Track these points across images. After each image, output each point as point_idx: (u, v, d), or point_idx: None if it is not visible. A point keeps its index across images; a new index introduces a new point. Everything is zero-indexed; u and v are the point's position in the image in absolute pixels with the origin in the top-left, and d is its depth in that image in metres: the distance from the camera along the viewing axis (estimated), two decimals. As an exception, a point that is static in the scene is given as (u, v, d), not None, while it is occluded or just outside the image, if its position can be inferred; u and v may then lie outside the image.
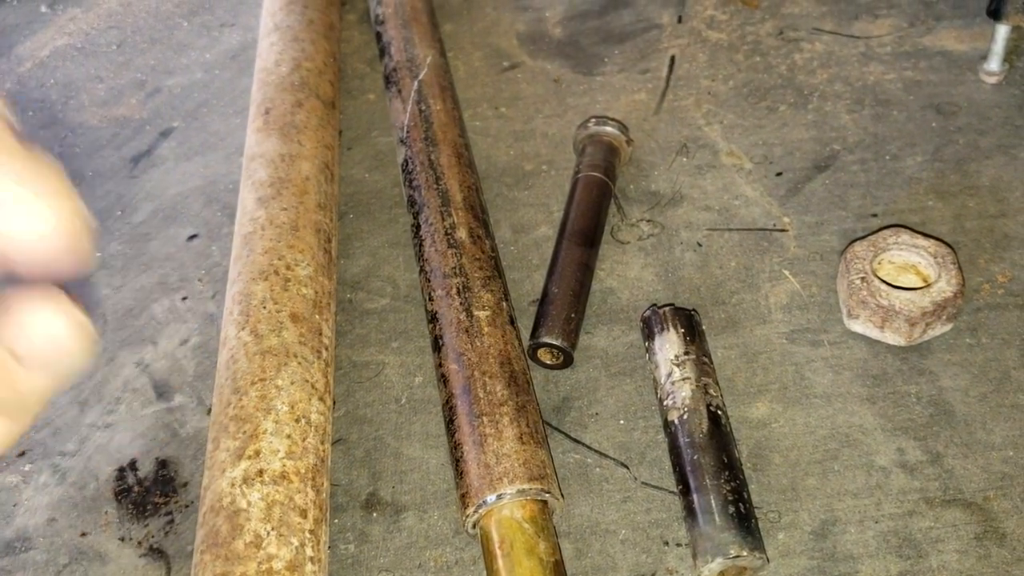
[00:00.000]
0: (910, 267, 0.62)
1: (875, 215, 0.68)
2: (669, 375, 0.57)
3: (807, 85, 0.78)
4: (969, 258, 0.65)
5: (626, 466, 0.57)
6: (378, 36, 0.84)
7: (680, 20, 0.86)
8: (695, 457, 0.53)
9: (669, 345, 0.58)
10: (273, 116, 0.72)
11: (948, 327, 0.60)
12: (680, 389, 0.56)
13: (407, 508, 0.56)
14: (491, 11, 0.91)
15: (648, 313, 0.61)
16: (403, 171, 0.71)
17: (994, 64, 0.75)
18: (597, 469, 0.57)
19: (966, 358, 0.59)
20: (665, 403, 0.56)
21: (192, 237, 0.74)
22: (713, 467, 0.52)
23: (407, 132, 0.72)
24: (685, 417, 0.55)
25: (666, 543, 0.53)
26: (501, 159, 0.76)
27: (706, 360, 0.58)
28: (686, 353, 0.57)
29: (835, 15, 0.85)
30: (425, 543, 0.55)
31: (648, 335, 0.60)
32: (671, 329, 0.59)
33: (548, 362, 0.62)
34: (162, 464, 0.60)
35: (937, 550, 0.52)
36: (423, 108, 0.73)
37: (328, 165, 0.71)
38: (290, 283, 0.60)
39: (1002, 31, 0.73)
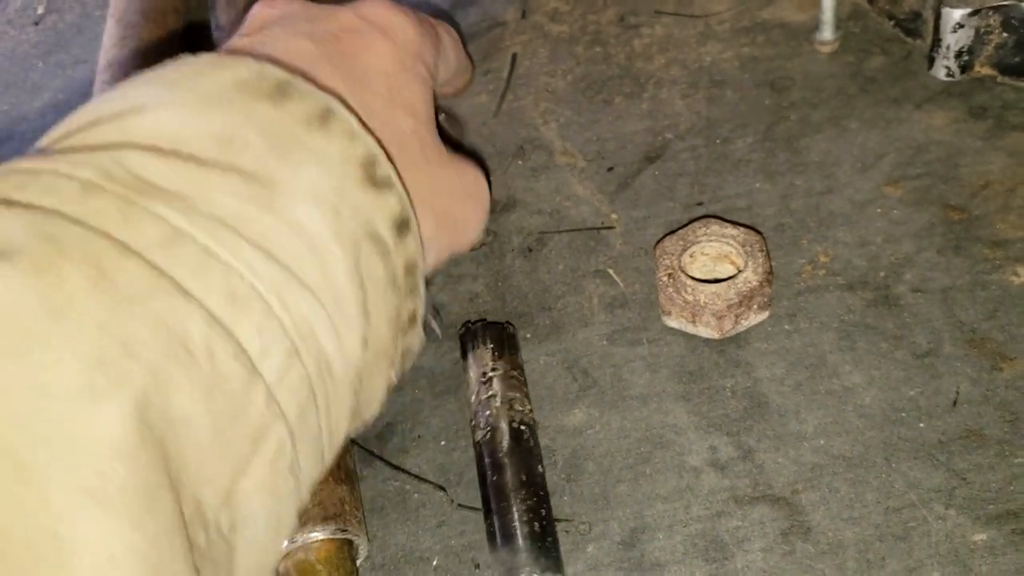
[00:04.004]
0: (724, 257, 0.61)
1: (700, 203, 0.67)
2: (476, 394, 0.56)
3: (643, 72, 0.77)
4: (792, 240, 0.63)
5: (443, 488, 0.56)
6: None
7: (524, 15, 0.84)
8: (494, 478, 0.52)
9: (478, 363, 0.57)
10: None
11: (765, 315, 0.59)
12: (485, 408, 0.55)
13: (226, 553, 0.56)
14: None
15: (462, 331, 0.60)
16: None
17: (827, 33, 0.74)
18: (416, 495, 0.56)
19: (783, 346, 0.59)
20: (472, 423, 0.56)
21: None
22: (511, 486, 0.52)
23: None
24: (488, 437, 0.54)
25: (477, 566, 0.53)
26: (341, 178, 0.75)
27: (515, 373, 0.57)
28: (493, 369, 0.57)
29: (681, -6, 0.83)
30: (242, 587, 0.54)
31: (463, 353, 0.59)
32: (481, 345, 0.58)
33: (372, 388, 0.61)
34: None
35: (743, 550, 0.51)
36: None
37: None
38: None
39: (828, -2, 0.72)
